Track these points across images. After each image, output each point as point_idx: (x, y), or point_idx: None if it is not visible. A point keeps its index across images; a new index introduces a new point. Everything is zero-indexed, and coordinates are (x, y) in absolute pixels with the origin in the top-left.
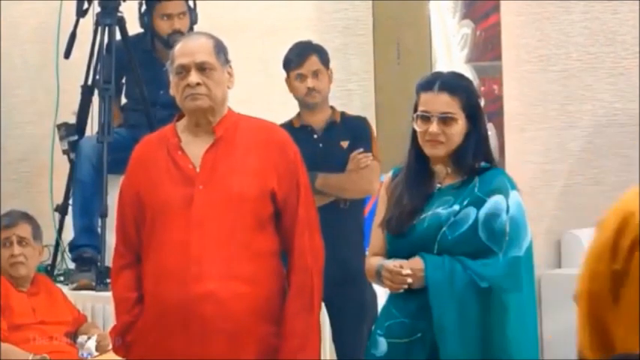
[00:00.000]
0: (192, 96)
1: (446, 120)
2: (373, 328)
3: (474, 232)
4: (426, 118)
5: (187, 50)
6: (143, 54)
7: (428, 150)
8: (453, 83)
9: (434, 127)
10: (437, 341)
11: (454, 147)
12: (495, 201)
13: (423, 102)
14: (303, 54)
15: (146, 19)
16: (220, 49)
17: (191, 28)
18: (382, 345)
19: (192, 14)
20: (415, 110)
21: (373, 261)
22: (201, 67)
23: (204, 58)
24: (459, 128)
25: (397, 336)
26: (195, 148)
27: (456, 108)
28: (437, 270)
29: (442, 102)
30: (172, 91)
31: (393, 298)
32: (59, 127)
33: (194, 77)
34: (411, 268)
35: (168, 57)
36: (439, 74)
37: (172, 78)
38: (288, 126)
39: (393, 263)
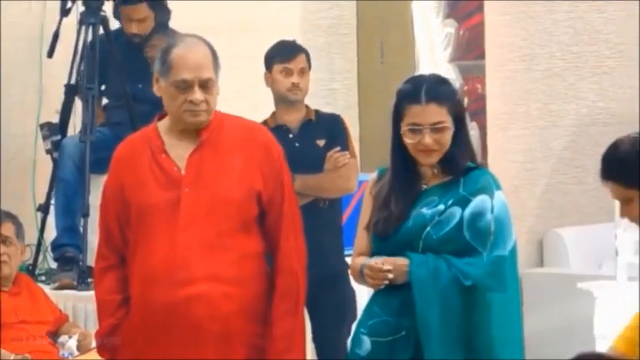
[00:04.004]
0: (193, 112)
1: (437, 129)
2: (356, 326)
3: (458, 231)
4: (416, 131)
5: (191, 64)
6: (123, 48)
7: (423, 160)
8: (438, 92)
9: (428, 139)
10: (420, 338)
11: (445, 151)
12: (481, 200)
13: (412, 114)
14: (292, 50)
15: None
16: (215, 57)
17: (163, 26)
18: (366, 344)
19: (160, 16)
20: (398, 119)
21: (358, 261)
22: (204, 85)
23: (209, 74)
24: (449, 134)
25: (381, 334)
26: (180, 150)
27: (445, 115)
28: (421, 267)
29: (432, 113)
30: (159, 93)
31: (376, 296)
32: (42, 126)
33: (199, 95)
34: (394, 262)
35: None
36: (421, 82)
37: (167, 86)
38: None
39: (374, 260)
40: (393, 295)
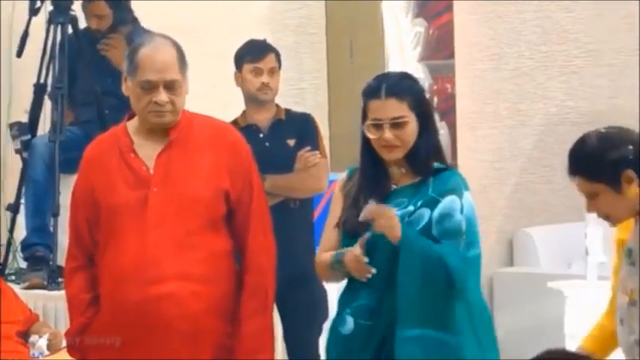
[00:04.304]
0: (158, 113)
1: (398, 124)
2: (340, 306)
3: (427, 232)
4: (378, 126)
5: (156, 65)
6: (91, 44)
7: (385, 155)
8: (398, 87)
9: (388, 134)
10: (397, 304)
11: (409, 147)
12: (449, 201)
13: (373, 110)
14: (262, 50)
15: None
16: (183, 57)
17: (121, 24)
18: (349, 323)
19: (117, 15)
20: (364, 116)
21: (324, 256)
22: (170, 86)
23: (174, 76)
24: (411, 130)
25: (363, 317)
26: (149, 150)
27: (406, 110)
28: (410, 227)
29: (391, 108)
30: (127, 92)
31: (360, 282)
32: (11, 126)
33: (163, 96)
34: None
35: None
36: (383, 78)
37: (133, 86)
38: (233, 125)
39: (358, 252)
40: (376, 284)
